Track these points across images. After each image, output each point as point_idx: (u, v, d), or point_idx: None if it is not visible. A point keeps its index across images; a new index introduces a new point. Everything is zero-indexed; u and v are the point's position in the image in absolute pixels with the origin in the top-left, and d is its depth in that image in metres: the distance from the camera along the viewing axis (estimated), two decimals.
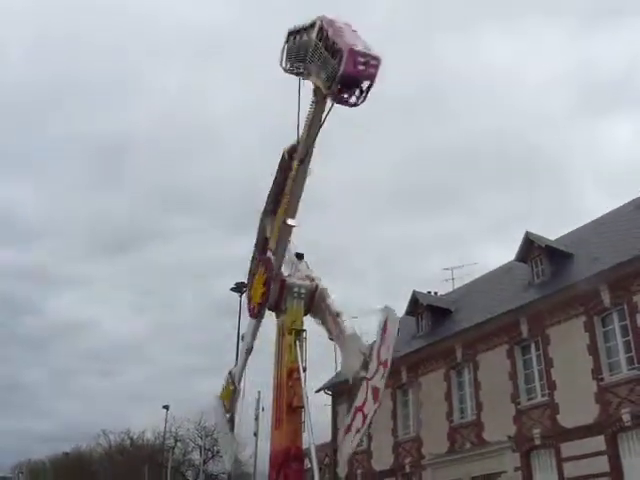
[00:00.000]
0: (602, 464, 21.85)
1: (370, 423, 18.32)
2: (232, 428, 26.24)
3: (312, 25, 20.05)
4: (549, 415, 24.36)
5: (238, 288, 32.87)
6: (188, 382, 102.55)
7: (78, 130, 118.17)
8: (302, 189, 21.61)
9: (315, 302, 22.43)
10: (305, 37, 20.72)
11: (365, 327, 21.24)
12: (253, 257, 24.82)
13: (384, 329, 18.85)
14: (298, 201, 21.81)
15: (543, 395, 24.96)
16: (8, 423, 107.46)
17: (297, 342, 21.50)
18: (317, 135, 20.50)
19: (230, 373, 25.03)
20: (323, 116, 20.00)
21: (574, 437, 23.03)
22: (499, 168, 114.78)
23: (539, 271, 27.71)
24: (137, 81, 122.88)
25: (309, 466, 22.72)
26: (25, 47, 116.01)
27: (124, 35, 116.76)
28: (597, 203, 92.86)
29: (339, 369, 37.27)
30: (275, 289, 22.35)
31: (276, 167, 22.98)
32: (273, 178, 24.18)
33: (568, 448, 23.23)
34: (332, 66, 18.33)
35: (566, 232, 31.43)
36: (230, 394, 25.29)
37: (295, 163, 21.18)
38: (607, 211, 30.05)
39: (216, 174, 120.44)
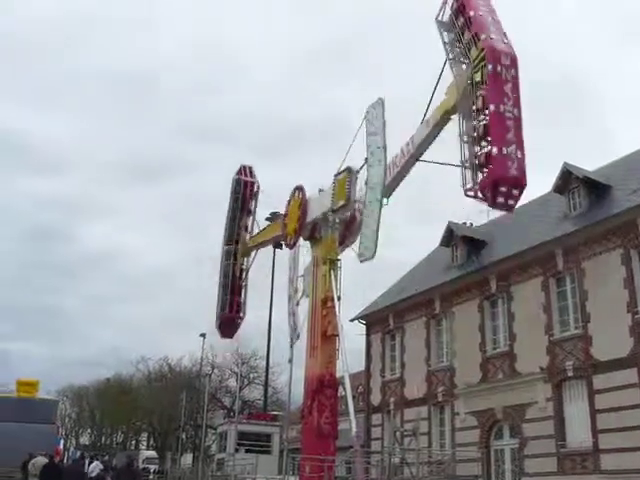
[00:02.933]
0: (634, 396, 21.82)
1: None
2: None
3: (468, 51, 18.80)
4: (582, 347, 24.34)
5: (272, 218, 32.89)
6: None
7: (108, 65, 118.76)
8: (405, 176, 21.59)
9: (349, 233, 22.55)
10: (464, 61, 19.41)
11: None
12: None
13: None
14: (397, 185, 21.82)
15: (577, 327, 24.91)
16: (50, 348, 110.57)
17: (332, 271, 21.71)
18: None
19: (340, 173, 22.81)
20: None
21: (606, 370, 23.01)
22: (535, 98, 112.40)
23: (576, 203, 27.35)
24: (161, 18, 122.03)
25: (343, 393, 23.13)
26: None
27: None
28: (637, 135, 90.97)
29: (374, 299, 37.68)
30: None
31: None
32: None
33: (600, 380, 23.26)
34: (476, 164, 17.82)
35: (604, 164, 30.93)
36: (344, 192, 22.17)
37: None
38: None
39: (239, 105, 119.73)
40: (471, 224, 37.79)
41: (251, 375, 70.26)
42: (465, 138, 18.48)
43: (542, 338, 25.97)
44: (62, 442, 66.59)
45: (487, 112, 17.72)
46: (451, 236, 33.97)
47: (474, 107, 18.22)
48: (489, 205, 17.76)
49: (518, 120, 17.82)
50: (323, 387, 21.36)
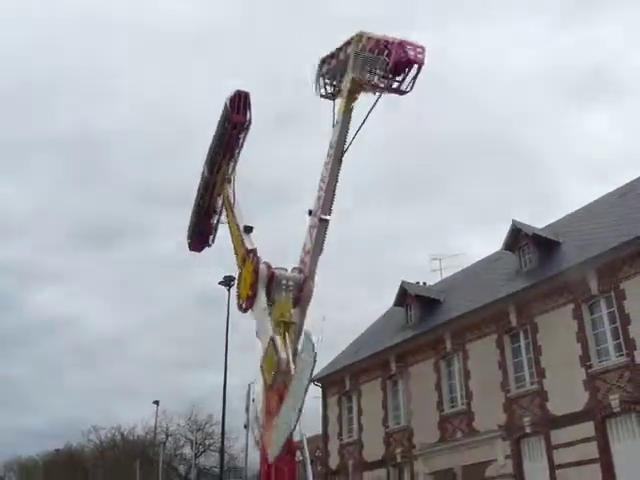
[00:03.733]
0: (592, 450, 21.94)
1: None
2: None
3: (349, 42, 22.94)
4: (539, 403, 24.43)
5: (226, 282, 32.69)
6: (177, 376, 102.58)
7: (58, 128, 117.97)
8: (337, 182, 22.74)
9: (303, 295, 22.44)
10: (342, 56, 23.42)
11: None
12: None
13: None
14: (333, 196, 22.68)
15: (532, 383, 25.03)
16: None
17: (286, 334, 21.49)
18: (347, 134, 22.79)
19: (272, 339, 21.38)
20: (366, 111, 22.23)
21: (564, 424, 23.10)
22: (481, 159, 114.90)
23: (526, 260, 27.75)
24: (116, 79, 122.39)
25: (301, 458, 22.72)
26: (8, 46, 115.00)
27: (104, 33, 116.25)
28: (579, 192, 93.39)
29: (330, 361, 37.43)
30: (264, 280, 22.34)
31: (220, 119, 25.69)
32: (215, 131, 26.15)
33: (558, 435, 23.32)
34: (382, 60, 21.28)
35: (552, 221, 31.53)
36: (273, 364, 21.29)
37: (331, 158, 22.75)
38: (593, 199, 30.20)
39: (195, 169, 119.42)
40: (424, 283, 38.05)
41: (207, 442, 69.06)
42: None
43: (499, 395, 26.01)
44: None
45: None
46: (405, 296, 34.05)
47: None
48: (407, 60, 20.96)
49: None
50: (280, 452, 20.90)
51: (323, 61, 24.53)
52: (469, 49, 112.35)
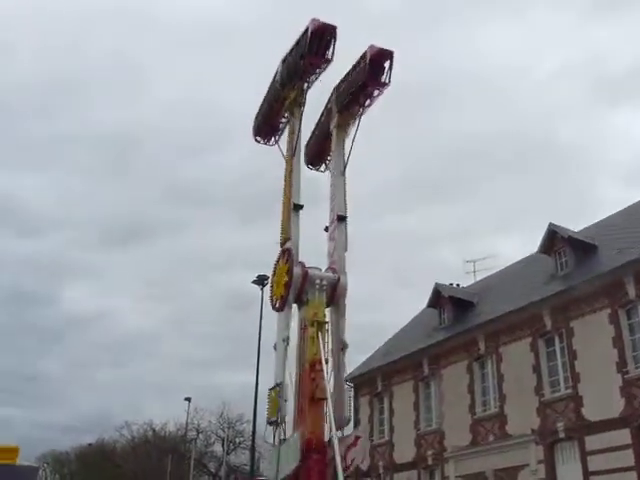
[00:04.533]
0: (627, 458, 21.59)
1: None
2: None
3: (328, 100, 25.50)
4: (573, 408, 24.14)
5: (260, 281, 32.57)
6: (208, 374, 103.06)
7: (89, 125, 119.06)
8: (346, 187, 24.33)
9: (337, 295, 22.40)
10: (324, 117, 25.88)
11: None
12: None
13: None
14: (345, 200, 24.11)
15: (567, 388, 24.75)
16: (30, 413, 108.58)
17: (319, 334, 21.48)
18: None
19: (279, 385, 21.96)
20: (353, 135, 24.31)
21: (599, 430, 22.80)
22: (519, 160, 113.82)
23: (563, 263, 27.46)
24: (145, 75, 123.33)
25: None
26: (33, 42, 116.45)
27: (132, 28, 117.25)
28: (618, 195, 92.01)
29: (362, 361, 37.34)
30: (297, 280, 22.32)
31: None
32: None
33: (592, 441, 23.01)
34: (358, 71, 23.61)
35: (589, 224, 31.16)
36: (275, 410, 21.94)
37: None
38: (631, 203, 29.81)
39: (226, 166, 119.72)
40: (458, 285, 37.80)
41: (237, 440, 69.18)
42: None
43: (532, 399, 25.76)
44: None
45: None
46: (438, 297, 33.88)
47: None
48: (380, 51, 22.79)
49: None
50: (310, 452, 20.88)
51: (309, 141, 26.65)
52: (500, 46, 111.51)
